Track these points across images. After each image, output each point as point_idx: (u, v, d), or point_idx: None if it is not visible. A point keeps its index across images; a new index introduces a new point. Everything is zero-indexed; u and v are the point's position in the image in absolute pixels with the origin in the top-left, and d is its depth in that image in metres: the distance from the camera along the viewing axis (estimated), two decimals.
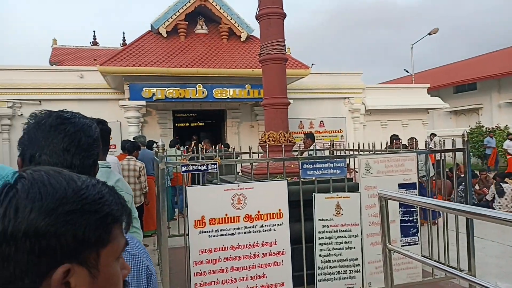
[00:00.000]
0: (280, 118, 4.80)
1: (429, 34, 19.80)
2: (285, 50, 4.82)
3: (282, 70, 4.83)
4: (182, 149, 8.27)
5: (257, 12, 4.89)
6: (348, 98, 12.76)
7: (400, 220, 3.91)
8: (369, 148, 4.84)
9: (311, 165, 3.72)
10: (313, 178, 3.79)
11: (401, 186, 3.90)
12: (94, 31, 21.64)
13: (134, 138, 7.44)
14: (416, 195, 3.82)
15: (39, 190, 0.55)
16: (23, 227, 0.52)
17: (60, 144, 0.99)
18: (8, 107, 9.92)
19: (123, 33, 21.41)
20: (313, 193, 3.74)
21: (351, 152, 5.51)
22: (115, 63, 9.06)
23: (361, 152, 4.51)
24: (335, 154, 5.69)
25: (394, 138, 7.76)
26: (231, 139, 11.69)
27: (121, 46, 19.54)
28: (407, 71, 23.38)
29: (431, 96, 14.22)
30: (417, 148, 4.70)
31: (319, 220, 3.74)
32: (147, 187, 6.17)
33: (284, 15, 4.89)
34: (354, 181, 4.56)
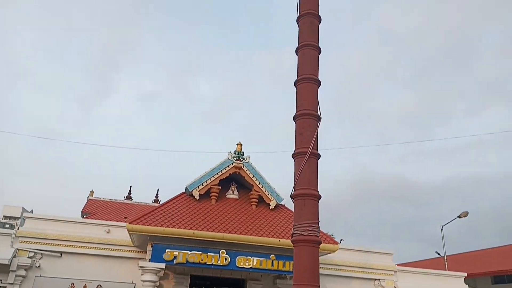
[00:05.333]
0: None
1: (459, 217, 19.52)
2: (318, 232, 4.69)
3: (314, 253, 4.60)
4: None
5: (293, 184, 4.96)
6: (379, 280, 11.89)
7: None
8: None
9: None
10: None
11: None
12: (130, 186, 22.35)
13: None
14: None
15: None
16: None
17: None
18: (28, 257, 9.74)
19: (157, 190, 22.28)
20: None
21: None
22: (144, 222, 9.14)
23: None
24: None
25: None
26: None
27: (153, 203, 20.16)
28: (438, 254, 22.22)
29: (469, 286, 13.00)
30: None
31: None
32: None
33: (318, 197, 4.93)
34: None
